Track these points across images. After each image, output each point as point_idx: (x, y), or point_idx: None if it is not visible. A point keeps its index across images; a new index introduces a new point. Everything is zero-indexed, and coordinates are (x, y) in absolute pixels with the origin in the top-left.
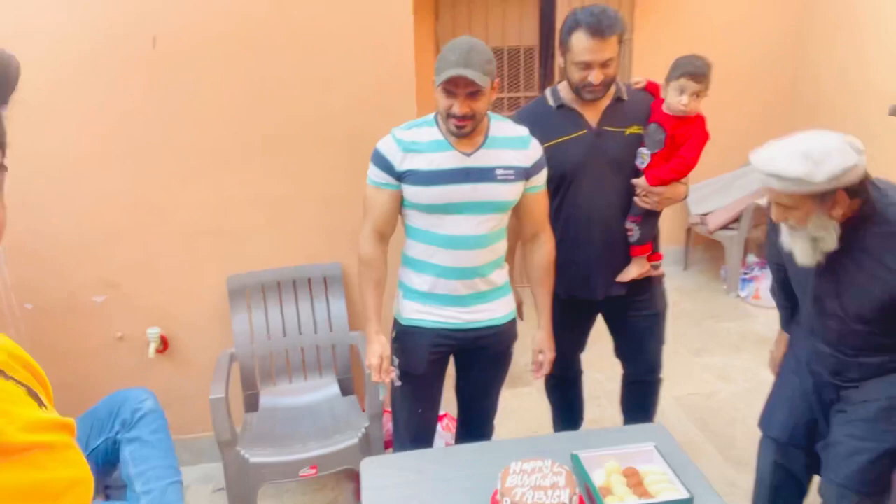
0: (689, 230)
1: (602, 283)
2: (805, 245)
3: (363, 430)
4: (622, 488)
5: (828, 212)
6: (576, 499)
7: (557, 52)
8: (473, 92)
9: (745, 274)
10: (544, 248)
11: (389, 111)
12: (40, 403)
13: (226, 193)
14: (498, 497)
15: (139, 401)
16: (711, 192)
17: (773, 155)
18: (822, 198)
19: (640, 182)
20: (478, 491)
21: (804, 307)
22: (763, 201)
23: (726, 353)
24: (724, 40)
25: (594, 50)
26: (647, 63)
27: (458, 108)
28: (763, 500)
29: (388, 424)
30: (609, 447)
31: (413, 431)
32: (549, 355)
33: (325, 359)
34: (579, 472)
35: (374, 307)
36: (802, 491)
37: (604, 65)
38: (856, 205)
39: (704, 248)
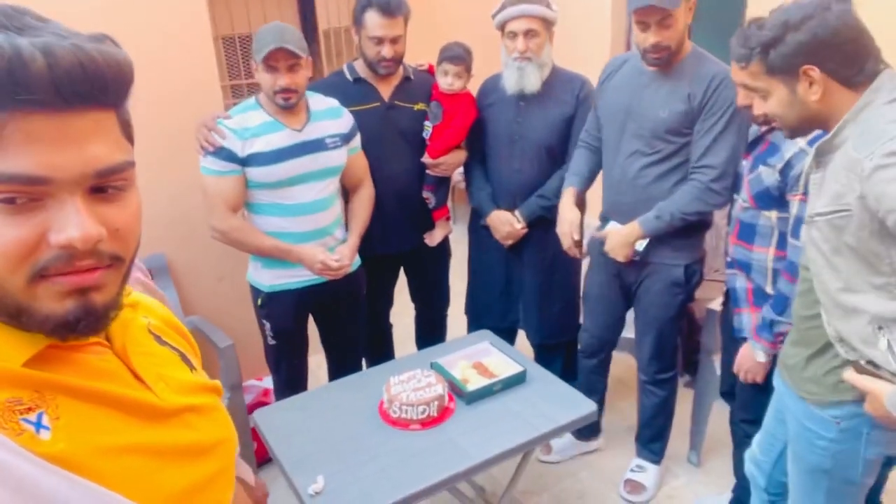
0: (453, 188)
1: (398, 239)
2: (535, 73)
3: (226, 401)
4: (476, 377)
5: (549, 42)
6: (447, 390)
7: (321, 34)
8: (293, 65)
9: None
10: (366, 191)
11: (195, 100)
12: (191, 367)
13: None
14: (385, 406)
15: None
16: None
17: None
18: (550, 28)
19: (426, 160)
20: (365, 409)
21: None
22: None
23: None
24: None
25: (385, 26)
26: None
27: (282, 81)
28: None
29: (248, 393)
30: (456, 351)
31: (292, 380)
32: (344, 261)
33: None
34: (443, 374)
35: (277, 241)
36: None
37: (394, 41)
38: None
39: (468, 203)
